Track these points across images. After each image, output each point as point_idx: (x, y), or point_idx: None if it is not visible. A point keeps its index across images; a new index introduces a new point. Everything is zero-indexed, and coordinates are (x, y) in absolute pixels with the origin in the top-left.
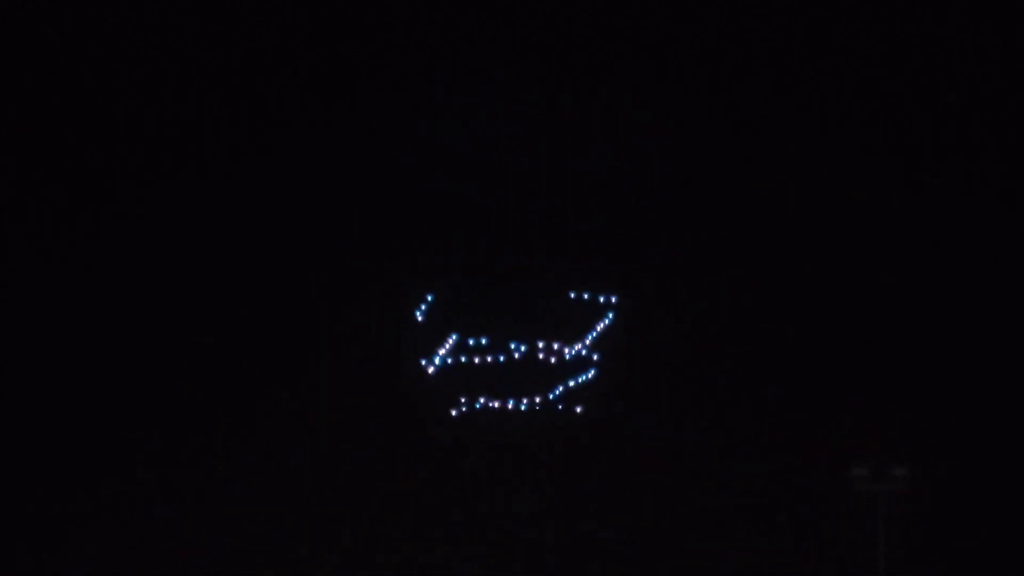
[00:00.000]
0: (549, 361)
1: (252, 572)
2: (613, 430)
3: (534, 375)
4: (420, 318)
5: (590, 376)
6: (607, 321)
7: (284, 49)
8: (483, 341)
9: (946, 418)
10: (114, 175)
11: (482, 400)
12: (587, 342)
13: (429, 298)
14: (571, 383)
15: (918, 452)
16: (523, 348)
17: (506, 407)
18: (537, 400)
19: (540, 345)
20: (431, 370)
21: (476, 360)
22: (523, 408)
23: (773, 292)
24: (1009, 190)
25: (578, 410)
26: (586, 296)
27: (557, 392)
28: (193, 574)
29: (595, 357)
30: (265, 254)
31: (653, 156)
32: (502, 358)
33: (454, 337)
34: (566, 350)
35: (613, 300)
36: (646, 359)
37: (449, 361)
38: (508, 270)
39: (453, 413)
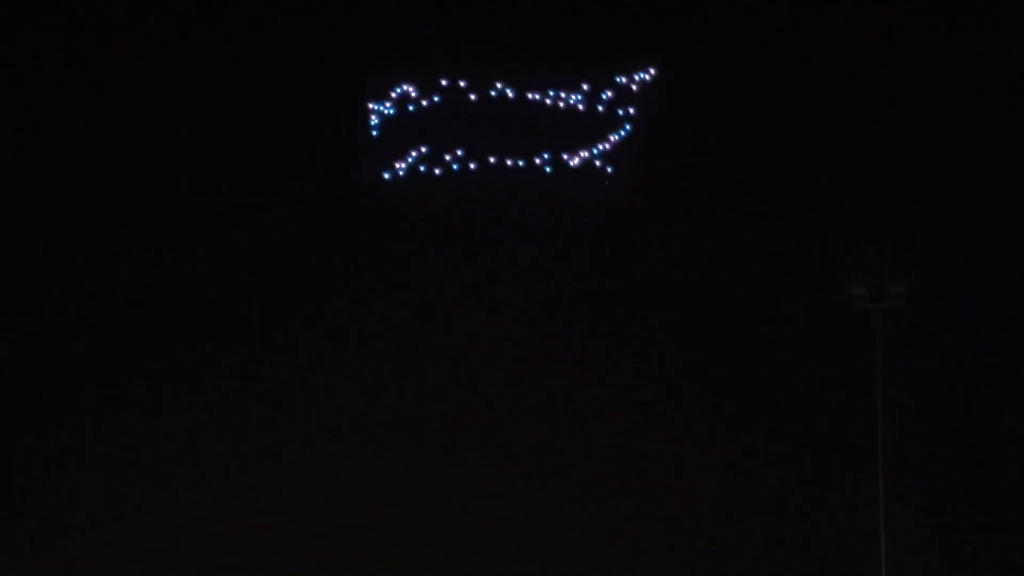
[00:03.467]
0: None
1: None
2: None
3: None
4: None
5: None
6: (622, 134)
7: None
8: (458, 153)
9: (944, 235)
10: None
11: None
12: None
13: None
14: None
15: (916, 270)
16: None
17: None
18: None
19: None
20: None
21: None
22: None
23: (778, 112)
24: None
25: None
26: (600, 107)
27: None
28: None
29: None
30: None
31: None
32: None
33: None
34: (573, 158)
35: (630, 112)
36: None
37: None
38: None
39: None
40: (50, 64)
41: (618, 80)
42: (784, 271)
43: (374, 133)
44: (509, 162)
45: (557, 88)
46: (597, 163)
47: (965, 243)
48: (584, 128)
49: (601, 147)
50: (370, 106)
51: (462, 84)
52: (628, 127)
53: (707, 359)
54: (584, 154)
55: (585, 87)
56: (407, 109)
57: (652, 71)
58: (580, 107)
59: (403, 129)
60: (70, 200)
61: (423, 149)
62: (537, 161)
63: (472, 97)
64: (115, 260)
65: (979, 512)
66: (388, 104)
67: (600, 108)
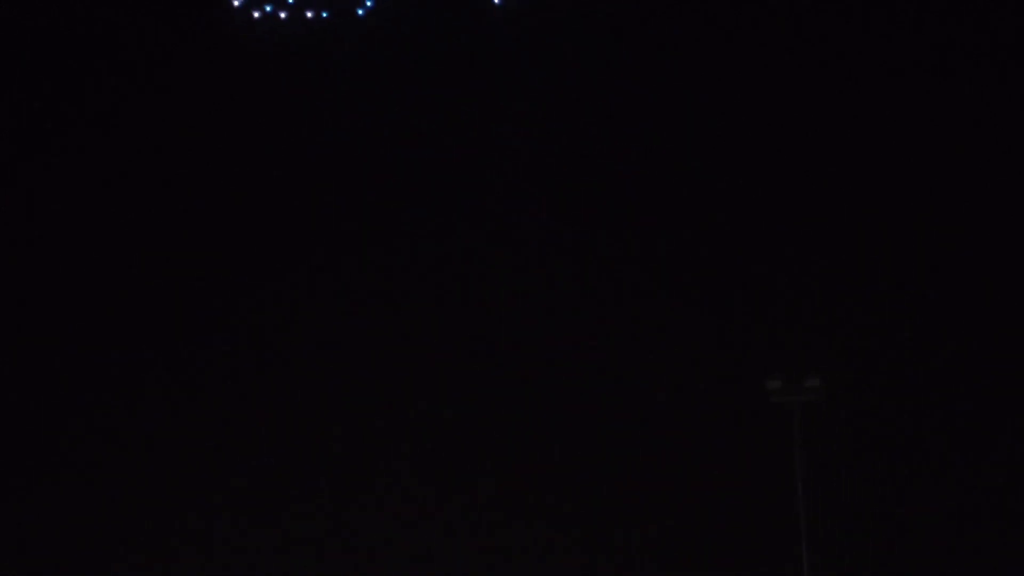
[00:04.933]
0: None
1: None
2: None
3: None
4: None
5: None
6: None
7: None
8: None
9: (859, 326)
10: None
11: None
12: None
13: None
14: None
15: (831, 362)
16: None
17: None
18: None
19: None
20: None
21: None
22: None
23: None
24: None
25: None
26: None
27: None
28: None
29: None
30: None
31: None
32: None
33: None
34: None
35: None
36: None
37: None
38: None
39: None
40: None
41: None
42: (698, 366)
43: None
44: None
45: None
46: None
47: (882, 334)
48: None
49: None
50: None
51: None
52: None
53: (623, 456)
54: None
55: None
56: None
57: None
58: None
59: None
60: None
61: None
62: None
63: None
64: None
65: None
66: None
67: None
